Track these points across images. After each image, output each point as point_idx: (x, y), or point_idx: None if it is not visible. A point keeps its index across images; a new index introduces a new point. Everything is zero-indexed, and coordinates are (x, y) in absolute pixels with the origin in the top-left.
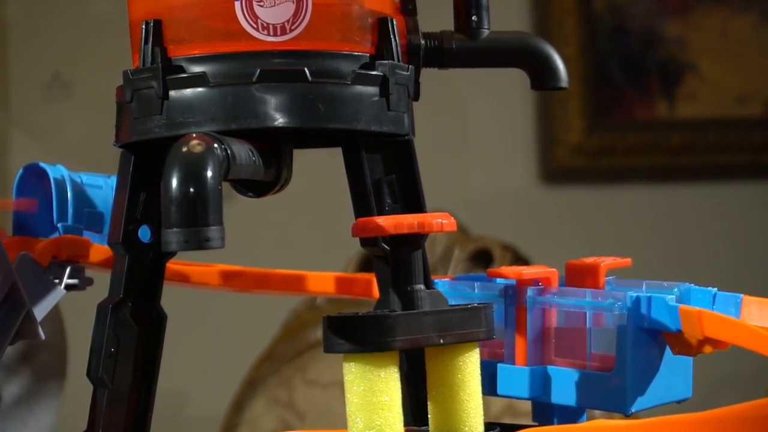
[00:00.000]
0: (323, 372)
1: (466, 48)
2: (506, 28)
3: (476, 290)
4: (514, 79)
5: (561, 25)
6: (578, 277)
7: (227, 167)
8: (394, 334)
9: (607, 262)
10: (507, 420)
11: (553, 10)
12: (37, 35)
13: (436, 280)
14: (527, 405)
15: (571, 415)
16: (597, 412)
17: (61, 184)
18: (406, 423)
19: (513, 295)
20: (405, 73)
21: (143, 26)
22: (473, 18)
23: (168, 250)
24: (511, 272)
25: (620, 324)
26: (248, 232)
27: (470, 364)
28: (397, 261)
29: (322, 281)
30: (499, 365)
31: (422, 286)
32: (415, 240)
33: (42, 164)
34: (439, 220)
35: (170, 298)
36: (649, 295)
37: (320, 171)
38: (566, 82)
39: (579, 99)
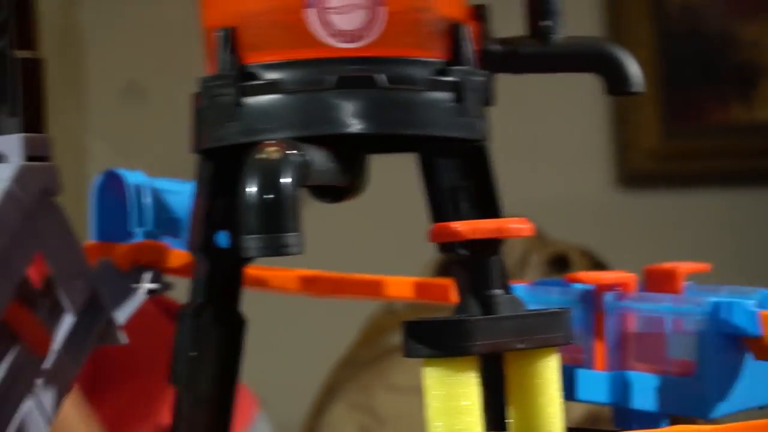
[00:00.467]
0: (402, 377)
1: (540, 53)
2: (579, 31)
3: (554, 295)
4: (589, 84)
5: (634, 29)
6: (656, 282)
7: (304, 173)
8: (473, 338)
9: (685, 267)
10: (588, 426)
11: (626, 12)
12: (112, 42)
13: (514, 285)
14: (608, 411)
15: (651, 420)
16: None
17: (139, 190)
18: (486, 428)
19: (591, 300)
20: (479, 78)
21: (218, 33)
22: (546, 23)
23: (246, 256)
24: (589, 277)
25: (700, 329)
26: (326, 237)
27: (549, 368)
28: (474, 266)
29: (400, 286)
30: (579, 370)
31: (500, 291)
32: (492, 245)
33: (120, 170)
34: (517, 225)
35: (250, 303)
36: (729, 300)
37: (397, 176)
38: (641, 86)
39: (655, 103)
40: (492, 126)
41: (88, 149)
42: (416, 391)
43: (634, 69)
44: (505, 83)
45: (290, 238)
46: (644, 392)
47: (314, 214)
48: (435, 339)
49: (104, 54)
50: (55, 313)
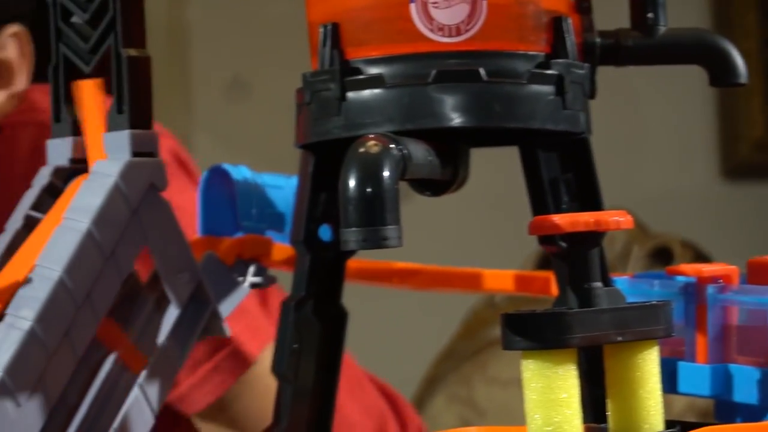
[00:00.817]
0: (503, 369)
1: (643, 45)
2: (686, 22)
3: (656, 288)
4: (693, 75)
5: (741, 19)
6: (760, 274)
7: (404, 167)
8: (571, 331)
9: None
10: (690, 419)
11: (734, 3)
12: (217, 37)
13: (615, 278)
14: (709, 404)
15: (754, 413)
16: None
17: (244, 185)
18: (585, 420)
19: (693, 292)
20: (580, 71)
21: (321, 29)
22: (650, 15)
23: (346, 249)
24: (690, 270)
25: None
26: (427, 230)
27: (649, 361)
28: (574, 259)
29: (500, 279)
30: (680, 363)
31: (600, 284)
32: (592, 238)
33: (226, 166)
34: (616, 218)
35: (352, 296)
36: None
37: (498, 169)
38: (745, 77)
39: (761, 93)
40: (595, 118)
41: (193, 144)
42: (516, 384)
43: (738, 60)
44: (607, 75)
45: (390, 231)
46: (746, 385)
47: (416, 207)
48: (534, 331)
49: (209, 50)
50: (161, 306)
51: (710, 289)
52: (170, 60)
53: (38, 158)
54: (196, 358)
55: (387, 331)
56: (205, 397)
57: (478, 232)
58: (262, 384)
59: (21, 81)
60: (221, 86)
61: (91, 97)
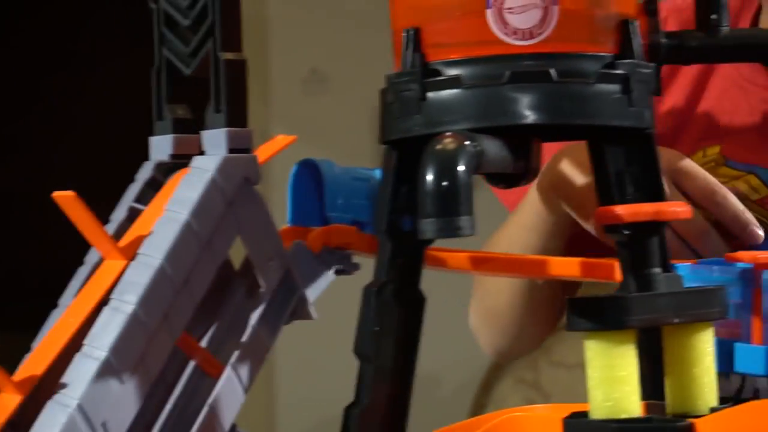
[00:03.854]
0: (568, 354)
1: (707, 45)
2: None
3: (715, 273)
4: None
5: None
6: None
7: (477, 162)
8: (630, 313)
9: None
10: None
11: None
12: (295, 32)
13: (677, 264)
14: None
15: None
16: None
17: (331, 178)
18: (645, 397)
19: (750, 278)
20: (646, 71)
21: (405, 34)
22: (713, 17)
23: (423, 237)
24: (748, 256)
25: None
26: (500, 220)
27: (704, 342)
28: (635, 246)
29: (567, 265)
30: (737, 344)
31: (659, 270)
32: (652, 227)
33: (314, 159)
34: (675, 208)
35: (428, 282)
36: None
37: None
38: None
39: None
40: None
41: (271, 137)
42: (580, 368)
43: None
44: None
45: (463, 221)
46: None
47: (493, 199)
48: (596, 314)
49: (288, 44)
50: (253, 291)
51: (766, 274)
52: (249, 53)
53: None
54: None
55: (457, 317)
56: None
57: None
58: None
59: None
60: (299, 79)
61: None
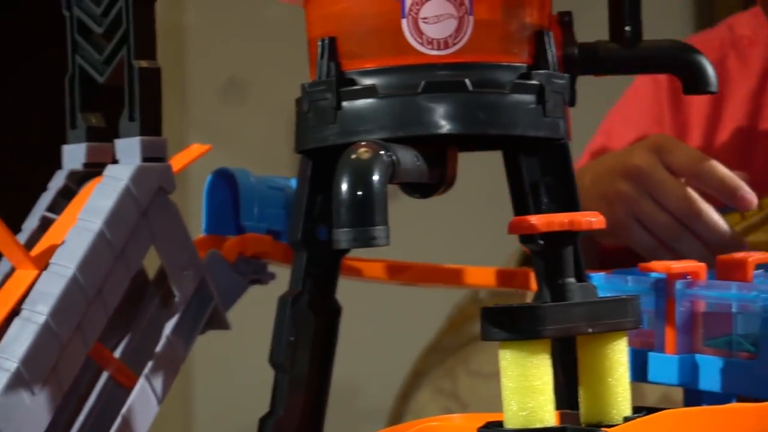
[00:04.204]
0: (486, 363)
1: (621, 56)
2: (670, 25)
3: (629, 283)
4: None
5: (725, 3)
6: (727, 271)
7: (392, 172)
8: (545, 323)
9: (755, 256)
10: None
11: (718, 7)
12: (212, 40)
13: (592, 274)
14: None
15: (720, 400)
16: None
17: (246, 187)
18: (559, 407)
19: (663, 288)
20: (561, 81)
21: (320, 43)
22: (627, 28)
23: (338, 248)
24: (661, 266)
25: (764, 315)
26: (416, 229)
27: (618, 351)
28: (549, 256)
29: (484, 275)
30: (650, 354)
31: (573, 280)
32: (566, 237)
33: (229, 168)
34: (589, 218)
35: (344, 292)
36: None
37: (484, 171)
38: (715, 86)
39: None
40: (577, 124)
41: (188, 145)
42: (497, 377)
43: (709, 70)
44: (596, 81)
45: (378, 231)
46: (712, 374)
47: (404, 206)
48: (510, 324)
49: (205, 52)
50: (167, 301)
51: (678, 284)
52: (165, 62)
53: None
54: None
55: (376, 326)
56: None
57: (464, 231)
58: None
59: None
60: (216, 88)
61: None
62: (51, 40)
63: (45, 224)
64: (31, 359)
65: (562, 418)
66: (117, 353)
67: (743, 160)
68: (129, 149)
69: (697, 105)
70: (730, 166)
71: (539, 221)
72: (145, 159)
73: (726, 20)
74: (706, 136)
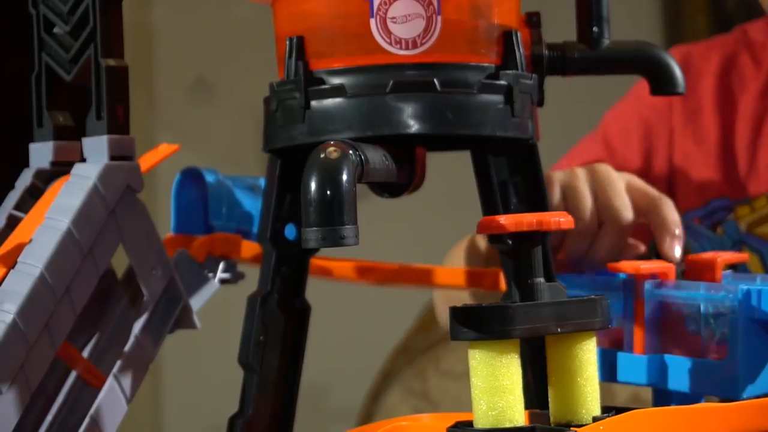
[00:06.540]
0: (456, 363)
1: (588, 57)
2: (637, 26)
3: (598, 284)
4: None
5: (692, 22)
6: (696, 271)
7: (361, 171)
8: (513, 323)
9: (724, 257)
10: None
11: (684, 7)
12: (181, 39)
13: (560, 275)
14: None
15: (688, 400)
16: None
17: (215, 187)
18: (529, 406)
19: (631, 288)
20: (528, 81)
21: (288, 41)
22: (594, 29)
23: (306, 247)
24: (629, 267)
25: (732, 315)
26: (385, 229)
27: (587, 351)
28: (518, 256)
29: (453, 275)
30: (619, 354)
31: (542, 280)
32: (535, 237)
33: (197, 168)
34: (557, 218)
35: (313, 292)
36: (759, 288)
37: (453, 170)
38: (682, 87)
39: None
40: (547, 125)
41: (157, 144)
42: (467, 377)
43: (677, 71)
44: (557, 84)
45: (347, 230)
46: (680, 374)
47: (376, 208)
48: (478, 324)
49: (173, 51)
50: (136, 300)
51: (647, 284)
52: (134, 60)
53: None
54: None
55: (345, 326)
56: None
57: (433, 231)
58: None
59: None
60: (185, 87)
61: None
62: (17, 37)
63: (12, 223)
64: None
65: (532, 417)
66: (85, 353)
67: (749, 156)
68: (96, 148)
69: (707, 93)
70: (739, 161)
71: (508, 221)
72: (112, 158)
73: (740, 26)
74: (721, 128)
